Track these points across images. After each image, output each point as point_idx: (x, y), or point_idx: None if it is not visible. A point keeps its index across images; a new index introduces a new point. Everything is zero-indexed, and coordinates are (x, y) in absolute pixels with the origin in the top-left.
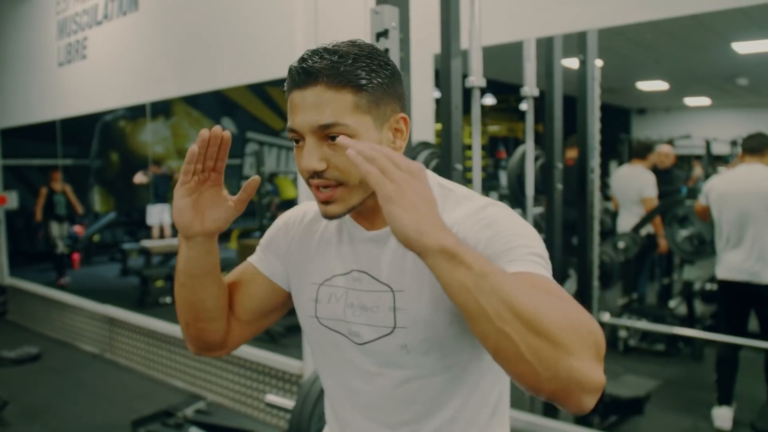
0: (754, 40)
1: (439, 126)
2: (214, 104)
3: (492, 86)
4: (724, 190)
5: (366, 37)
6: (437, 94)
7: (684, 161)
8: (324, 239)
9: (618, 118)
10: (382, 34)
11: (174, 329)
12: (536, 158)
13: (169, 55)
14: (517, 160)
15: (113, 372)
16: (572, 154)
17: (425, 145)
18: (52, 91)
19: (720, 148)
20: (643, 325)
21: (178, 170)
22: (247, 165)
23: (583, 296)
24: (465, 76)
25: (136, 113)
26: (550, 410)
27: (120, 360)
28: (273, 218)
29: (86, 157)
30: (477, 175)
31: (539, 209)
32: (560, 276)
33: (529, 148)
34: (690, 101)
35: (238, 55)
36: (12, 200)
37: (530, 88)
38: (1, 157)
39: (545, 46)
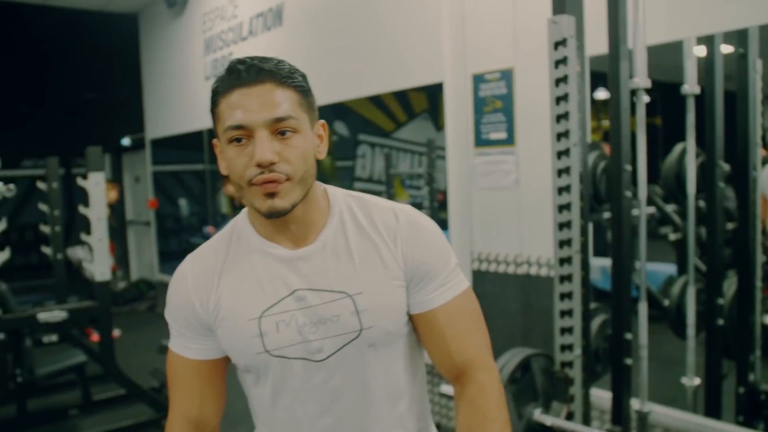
0: None
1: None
2: (327, 109)
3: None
4: None
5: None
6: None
7: None
8: (241, 275)
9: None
10: (560, 43)
11: None
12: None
13: (312, 66)
14: (675, 158)
15: None
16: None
17: (591, 146)
18: (199, 103)
19: None
20: None
21: None
22: (359, 166)
23: (744, 298)
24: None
25: None
26: (712, 410)
27: None
28: None
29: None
30: (642, 175)
31: (651, 209)
32: (719, 277)
33: (689, 146)
34: None
35: (382, 64)
36: (183, 207)
37: (690, 86)
38: (152, 164)
39: (705, 43)
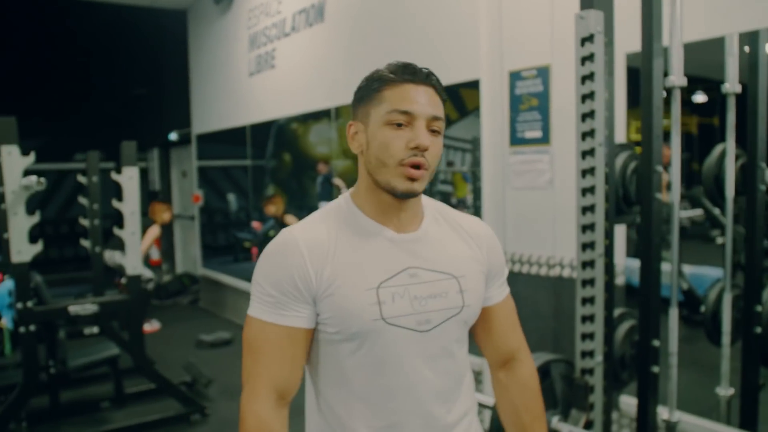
0: None
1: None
2: None
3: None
4: None
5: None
6: None
7: None
8: (356, 249)
9: None
10: (588, 39)
11: None
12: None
13: (354, 62)
14: (714, 159)
15: None
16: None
17: (622, 146)
18: (243, 98)
19: None
20: None
21: (340, 169)
22: None
23: None
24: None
25: (306, 116)
26: (747, 422)
27: None
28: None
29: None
30: (676, 177)
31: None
32: (758, 283)
33: (729, 147)
34: None
35: (419, 61)
36: (232, 202)
37: (732, 85)
38: (197, 159)
39: (747, 40)
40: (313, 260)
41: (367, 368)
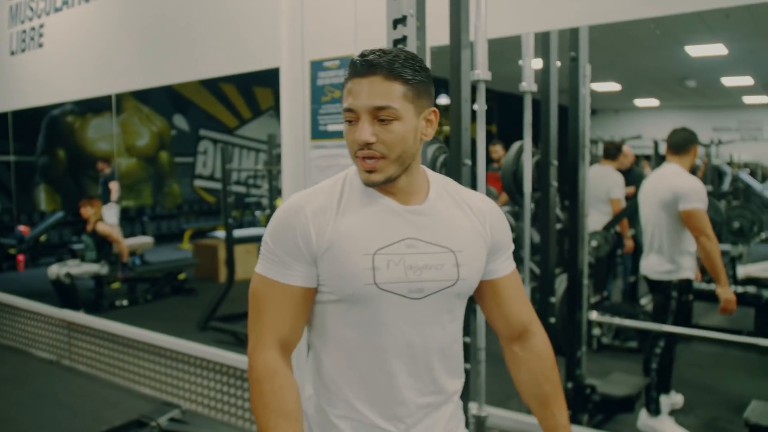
0: (706, 44)
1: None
2: (165, 100)
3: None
4: (645, 189)
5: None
6: None
7: (636, 161)
8: (357, 215)
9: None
10: (400, 21)
11: (140, 333)
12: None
13: (137, 44)
14: (512, 156)
15: (74, 380)
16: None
17: (432, 140)
18: (6, 81)
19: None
20: (635, 323)
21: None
22: (200, 163)
23: (572, 295)
24: None
25: (84, 108)
26: None
27: (80, 367)
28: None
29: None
30: (482, 170)
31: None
32: (551, 276)
33: (527, 145)
34: (640, 102)
35: (217, 44)
36: None
37: (528, 84)
38: None
39: (540, 43)
40: (315, 222)
41: (358, 327)
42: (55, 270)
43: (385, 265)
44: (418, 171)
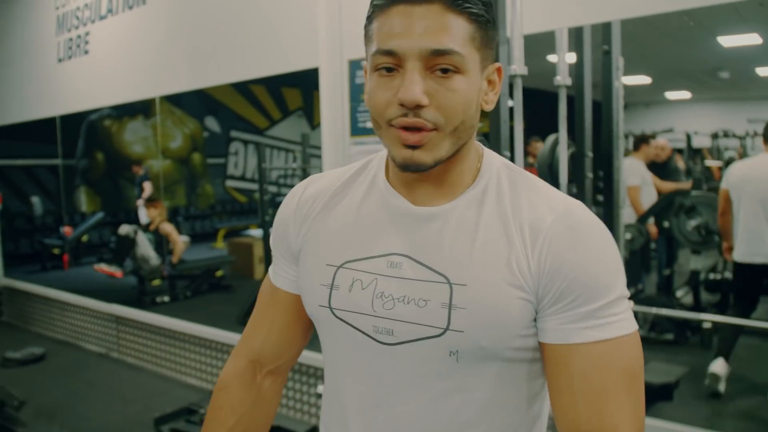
0: (739, 34)
1: None
2: (197, 103)
3: None
4: (743, 176)
5: None
6: None
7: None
8: (344, 213)
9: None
10: None
11: (185, 326)
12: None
13: (180, 48)
14: (548, 149)
15: (123, 371)
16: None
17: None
18: (51, 87)
19: (700, 141)
20: (677, 313)
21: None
22: (232, 164)
23: None
24: None
25: (121, 112)
26: None
27: (128, 359)
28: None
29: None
30: (519, 164)
31: None
32: None
33: (562, 137)
34: (671, 95)
35: (256, 47)
36: (37, 206)
37: (563, 77)
38: None
39: (574, 37)
40: (296, 216)
41: (331, 358)
42: (127, 228)
43: (347, 284)
44: (466, 156)
